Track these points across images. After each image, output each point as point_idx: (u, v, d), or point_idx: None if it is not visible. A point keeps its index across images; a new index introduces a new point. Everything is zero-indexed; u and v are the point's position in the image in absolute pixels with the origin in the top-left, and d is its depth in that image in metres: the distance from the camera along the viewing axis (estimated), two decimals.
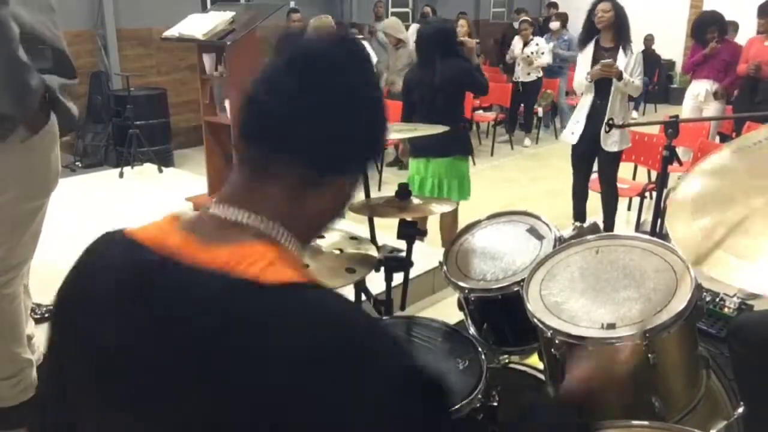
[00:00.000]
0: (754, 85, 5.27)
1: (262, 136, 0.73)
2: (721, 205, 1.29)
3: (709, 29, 5.46)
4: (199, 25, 4.03)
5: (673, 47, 10.66)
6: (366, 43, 7.50)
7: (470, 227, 1.97)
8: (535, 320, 1.40)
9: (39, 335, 2.31)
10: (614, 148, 4.12)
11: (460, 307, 1.83)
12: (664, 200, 2.83)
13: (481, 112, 8.17)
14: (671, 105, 9.98)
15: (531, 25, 7.97)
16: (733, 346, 1.82)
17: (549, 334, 1.36)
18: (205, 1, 7.52)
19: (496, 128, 8.05)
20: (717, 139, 5.64)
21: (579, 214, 4.48)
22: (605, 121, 3.71)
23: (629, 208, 4.98)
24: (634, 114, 9.29)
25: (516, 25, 8.94)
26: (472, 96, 6.87)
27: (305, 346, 0.61)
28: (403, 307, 2.20)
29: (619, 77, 3.91)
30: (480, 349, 1.58)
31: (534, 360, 1.75)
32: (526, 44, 7.76)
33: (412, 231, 1.95)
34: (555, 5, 10.45)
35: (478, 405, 1.41)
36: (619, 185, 4.37)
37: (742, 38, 6.33)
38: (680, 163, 3.11)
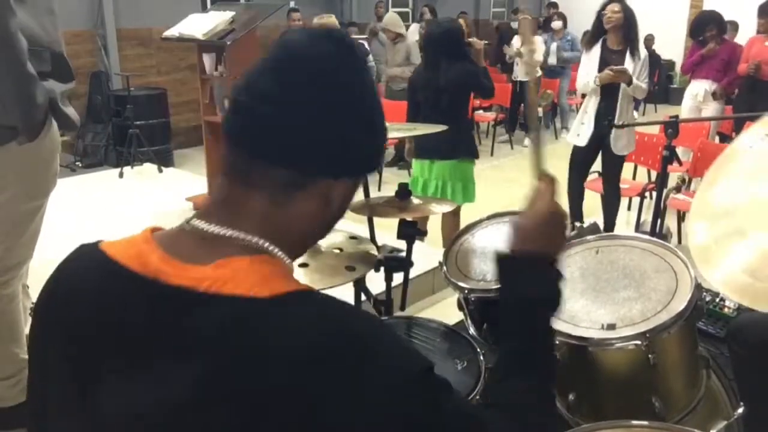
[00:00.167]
0: (753, 85, 5.27)
1: (242, 139, 0.71)
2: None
3: (707, 28, 5.45)
4: (199, 25, 4.03)
5: (673, 47, 10.66)
6: (365, 43, 7.53)
7: (470, 227, 1.96)
8: None
9: None
10: (624, 152, 4.12)
11: (460, 307, 1.83)
12: (665, 200, 2.83)
13: (481, 112, 8.17)
14: (671, 105, 9.98)
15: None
16: (733, 346, 1.82)
17: None
18: (205, 1, 7.52)
19: (496, 128, 8.05)
20: (717, 139, 5.64)
21: (576, 214, 4.47)
22: (607, 120, 3.71)
23: (629, 208, 4.98)
24: (635, 114, 9.28)
25: (514, 24, 8.95)
26: (473, 96, 6.88)
27: (305, 347, 0.61)
28: (403, 307, 2.19)
29: (629, 83, 3.90)
30: (478, 349, 1.58)
31: None
32: (523, 44, 7.77)
33: (412, 231, 1.94)
34: (555, 5, 10.46)
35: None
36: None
37: (742, 38, 6.33)
38: (680, 163, 3.11)
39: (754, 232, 1.25)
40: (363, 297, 2.01)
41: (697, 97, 5.57)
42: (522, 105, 8.07)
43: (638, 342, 1.27)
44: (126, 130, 5.79)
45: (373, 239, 2.59)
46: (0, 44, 1.65)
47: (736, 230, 1.29)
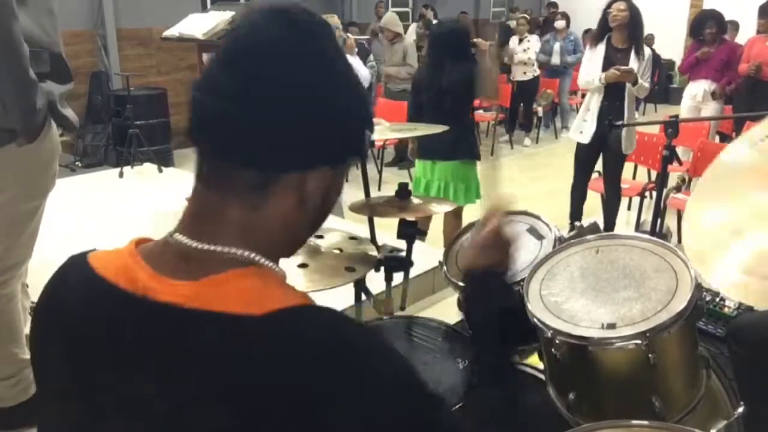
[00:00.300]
0: (753, 85, 5.26)
1: (198, 138, 0.68)
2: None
3: (707, 25, 5.44)
4: (199, 24, 4.03)
5: (673, 47, 10.66)
6: (365, 43, 7.53)
7: (470, 227, 1.96)
8: (535, 320, 1.40)
9: None
10: (629, 151, 4.14)
11: (460, 307, 1.82)
12: (665, 200, 2.83)
13: (481, 112, 8.17)
14: (671, 105, 9.99)
15: (528, 22, 7.97)
16: (733, 346, 1.82)
17: (549, 334, 1.35)
18: (205, 1, 7.52)
19: (496, 128, 8.05)
20: (717, 138, 5.64)
21: (576, 214, 4.47)
22: (608, 120, 3.72)
23: (629, 208, 4.98)
24: (635, 114, 9.29)
25: (513, 24, 8.96)
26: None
27: (298, 363, 0.59)
28: (403, 307, 2.19)
29: (635, 83, 3.91)
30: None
31: (534, 360, 1.75)
32: (520, 41, 7.77)
33: (412, 231, 1.94)
34: (555, 5, 10.46)
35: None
36: None
37: (742, 38, 6.33)
38: (680, 163, 3.11)
39: (751, 232, 1.25)
40: (363, 297, 2.01)
41: (696, 97, 5.56)
42: (521, 105, 8.08)
43: (638, 341, 1.27)
44: (126, 130, 5.79)
45: (373, 239, 2.59)
46: (3, 49, 1.66)
47: (733, 231, 1.29)
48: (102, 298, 0.68)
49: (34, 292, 2.47)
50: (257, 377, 0.59)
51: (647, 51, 4.04)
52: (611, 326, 1.31)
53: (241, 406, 0.58)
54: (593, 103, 4.14)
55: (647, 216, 3.94)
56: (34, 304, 2.85)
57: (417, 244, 2.03)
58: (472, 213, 2.45)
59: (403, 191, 1.97)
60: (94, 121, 6.68)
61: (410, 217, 1.96)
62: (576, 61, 7.75)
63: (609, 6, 4.03)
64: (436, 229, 3.85)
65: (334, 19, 5.02)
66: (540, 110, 8.35)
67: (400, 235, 1.96)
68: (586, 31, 8.74)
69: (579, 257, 1.55)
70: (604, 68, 3.99)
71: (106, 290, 0.67)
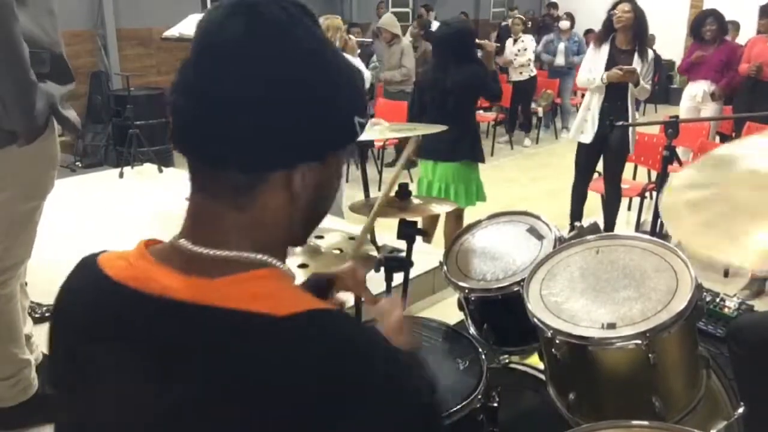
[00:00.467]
0: (753, 85, 5.26)
1: (178, 141, 0.66)
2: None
3: (707, 21, 5.43)
4: None
5: (673, 47, 10.66)
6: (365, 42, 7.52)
7: (470, 227, 1.96)
8: (536, 320, 1.40)
9: (38, 334, 2.30)
10: (632, 151, 4.15)
11: (460, 307, 1.83)
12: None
13: (481, 112, 8.17)
14: (671, 105, 9.99)
15: (523, 22, 7.98)
16: (733, 346, 1.82)
17: (549, 334, 1.36)
18: (205, 1, 7.52)
19: (496, 128, 8.05)
20: (717, 139, 5.63)
21: (577, 214, 4.47)
22: (608, 120, 3.72)
23: (629, 208, 4.98)
24: (635, 114, 9.29)
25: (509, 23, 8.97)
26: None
27: (314, 365, 0.60)
28: (403, 308, 2.19)
29: (637, 83, 3.91)
30: (480, 349, 1.58)
31: (534, 360, 1.75)
32: (515, 42, 7.76)
33: (412, 231, 1.94)
34: (555, 5, 10.46)
35: (478, 405, 1.40)
36: None
37: (742, 38, 6.33)
38: (680, 163, 3.11)
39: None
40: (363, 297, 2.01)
41: (696, 97, 5.55)
42: (519, 106, 8.08)
43: (638, 341, 1.27)
44: (126, 130, 5.78)
45: (373, 239, 2.59)
46: (4, 50, 1.66)
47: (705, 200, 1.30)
48: (110, 298, 0.67)
49: (34, 292, 2.47)
50: (276, 375, 0.59)
51: (650, 53, 4.04)
52: (611, 326, 1.32)
53: (257, 403, 0.58)
54: (593, 103, 4.14)
55: (647, 216, 3.95)
56: (35, 304, 2.84)
57: (417, 245, 2.03)
58: (473, 213, 2.45)
59: (403, 191, 1.97)
60: (94, 121, 6.68)
61: (410, 218, 1.96)
62: (581, 62, 7.76)
63: (614, 7, 4.03)
64: (437, 229, 3.86)
65: (337, 21, 5.02)
66: (540, 110, 8.35)
67: (400, 235, 1.96)
68: (587, 32, 8.75)
69: (579, 257, 1.56)
70: (607, 69, 3.99)
71: (115, 290, 0.67)
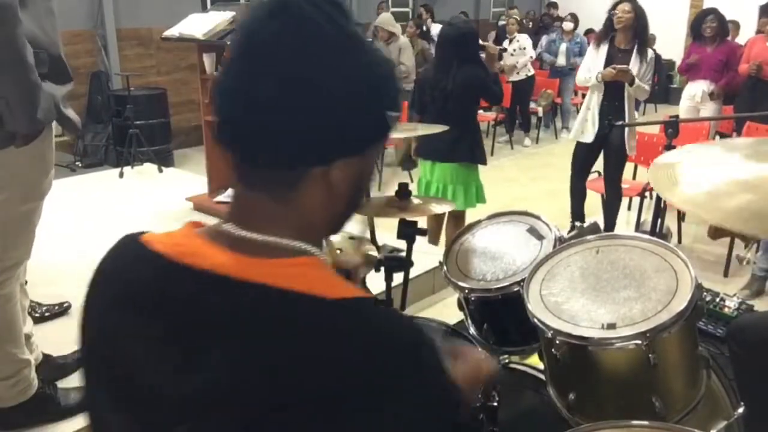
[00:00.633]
0: (754, 84, 5.26)
1: (221, 140, 0.69)
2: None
3: (707, 19, 5.42)
4: (199, 24, 4.03)
5: (673, 47, 10.66)
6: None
7: (470, 227, 1.96)
8: (536, 320, 1.40)
9: (38, 334, 2.30)
10: (633, 152, 4.15)
11: (460, 307, 1.83)
12: (665, 200, 2.83)
13: (481, 112, 8.16)
14: (671, 105, 9.99)
15: (518, 23, 7.97)
16: (733, 346, 1.82)
17: (549, 335, 1.36)
18: (205, 1, 7.52)
19: (496, 128, 8.05)
20: (717, 138, 5.63)
21: (578, 214, 4.47)
22: (608, 120, 3.72)
23: (629, 208, 4.98)
24: (635, 114, 9.29)
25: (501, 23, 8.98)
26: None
27: (373, 356, 0.63)
28: (403, 307, 2.19)
29: (631, 82, 3.91)
30: (480, 349, 1.58)
31: (534, 360, 1.75)
32: (510, 42, 7.75)
33: (412, 231, 1.94)
34: (555, 5, 10.46)
35: (478, 405, 1.40)
36: None
37: (742, 38, 6.33)
38: None
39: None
40: None
41: (695, 97, 5.54)
42: (518, 106, 8.08)
43: (638, 342, 1.27)
44: (126, 130, 5.78)
45: (373, 239, 2.59)
46: (8, 52, 1.66)
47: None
48: (161, 274, 0.68)
49: (34, 292, 2.48)
50: (324, 354, 0.61)
51: (650, 53, 4.04)
52: (611, 326, 1.32)
53: (302, 378, 0.60)
54: (593, 103, 4.14)
55: (647, 216, 3.94)
56: (35, 303, 2.84)
57: (417, 245, 2.03)
58: (473, 213, 2.45)
59: (403, 191, 1.97)
60: (95, 121, 6.68)
61: (410, 218, 1.96)
62: (580, 63, 7.76)
63: (614, 7, 4.03)
64: (442, 230, 3.86)
65: None
66: (540, 110, 8.35)
67: (400, 235, 1.96)
68: (588, 32, 8.75)
69: (579, 257, 1.55)
70: (605, 68, 3.99)
71: (167, 267, 0.68)
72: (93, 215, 4.32)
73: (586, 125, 4.18)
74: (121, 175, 5.43)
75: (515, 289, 1.62)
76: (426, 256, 2.88)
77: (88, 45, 6.76)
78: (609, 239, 1.59)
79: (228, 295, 0.64)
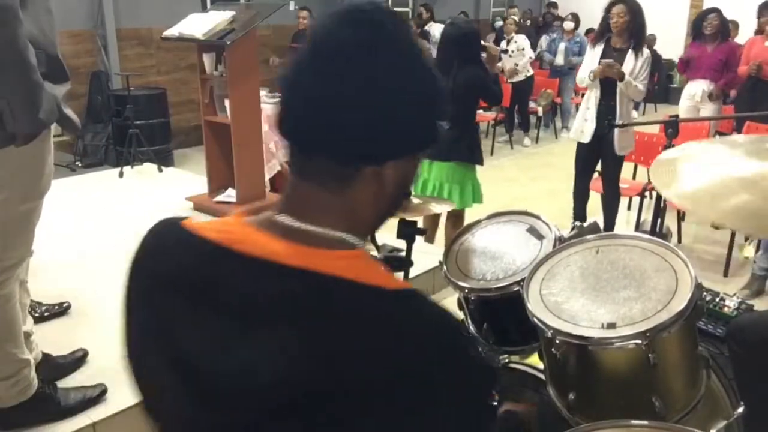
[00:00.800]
0: (754, 84, 5.26)
1: (284, 131, 0.73)
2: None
3: (709, 17, 5.41)
4: (199, 24, 4.03)
5: (673, 47, 10.66)
6: None
7: (470, 227, 1.96)
8: (536, 320, 1.40)
9: (38, 334, 2.31)
10: (624, 152, 4.14)
11: (460, 307, 1.83)
12: (664, 200, 2.83)
13: (480, 111, 8.17)
14: (671, 105, 9.99)
15: (516, 23, 7.98)
16: (733, 346, 1.82)
17: (549, 334, 1.35)
18: (205, 1, 7.52)
19: (495, 128, 8.05)
20: (717, 138, 5.63)
21: (580, 214, 4.47)
22: (607, 120, 3.71)
23: (629, 208, 4.98)
24: (635, 114, 9.27)
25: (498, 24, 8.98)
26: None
27: (422, 352, 0.65)
28: None
29: (621, 78, 3.90)
30: (480, 349, 1.58)
31: (534, 360, 1.75)
32: (507, 42, 7.75)
33: (412, 231, 1.94)
34: (555, 5, 10.46)
35: None
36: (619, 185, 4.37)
37: (742, 38, 6.33)
38: None
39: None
40: None
41: (695, 97, 5.54)
42: (517, 105, 8.08)
43: (638, 341, 1.27)
44: (126, 130, 5.78)
45: (373, 239, 2.59)
46: (9, 53, 1.67)
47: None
48: (213, 260, 0.70)
49: (34, 291, 2.47)
50: (381, 342, 0.63)
51: (646, 52, 4.04)
52: (611, 326, 1.31)
53: (358, 365, 0.62)
54: (591, 103, 4.15)
55: (647, 216, 3.95)
56: (35, 303, 2.83)
57: (417, 244, 2.03)
58: (474, 213, 2.45)
59: None
60: (94, 120, 6.68)
61: (410, 217, 1.96)
62: (580, 62, 7.76)
63: (609, 10, 4.04)
64: (438, 228, 3.86)
65: None
66: (540, 110, 8.35)
67: (399, 235, 1.96)
68: (588, 31, 8.75)
69: (579, 257, 1.55)
70: None
71: (219, 253, 0.69)
72: (93, 215, 4.32)
73: (585, 125, 4.18)
74: (120, 174, 5.44)
75: (515, 289, 1.62)
76: (425, 255, 2.88)
77: (88, 45, 6.76)
78: (609, 239, 1.58)
79: (286, 282, 0.66)
